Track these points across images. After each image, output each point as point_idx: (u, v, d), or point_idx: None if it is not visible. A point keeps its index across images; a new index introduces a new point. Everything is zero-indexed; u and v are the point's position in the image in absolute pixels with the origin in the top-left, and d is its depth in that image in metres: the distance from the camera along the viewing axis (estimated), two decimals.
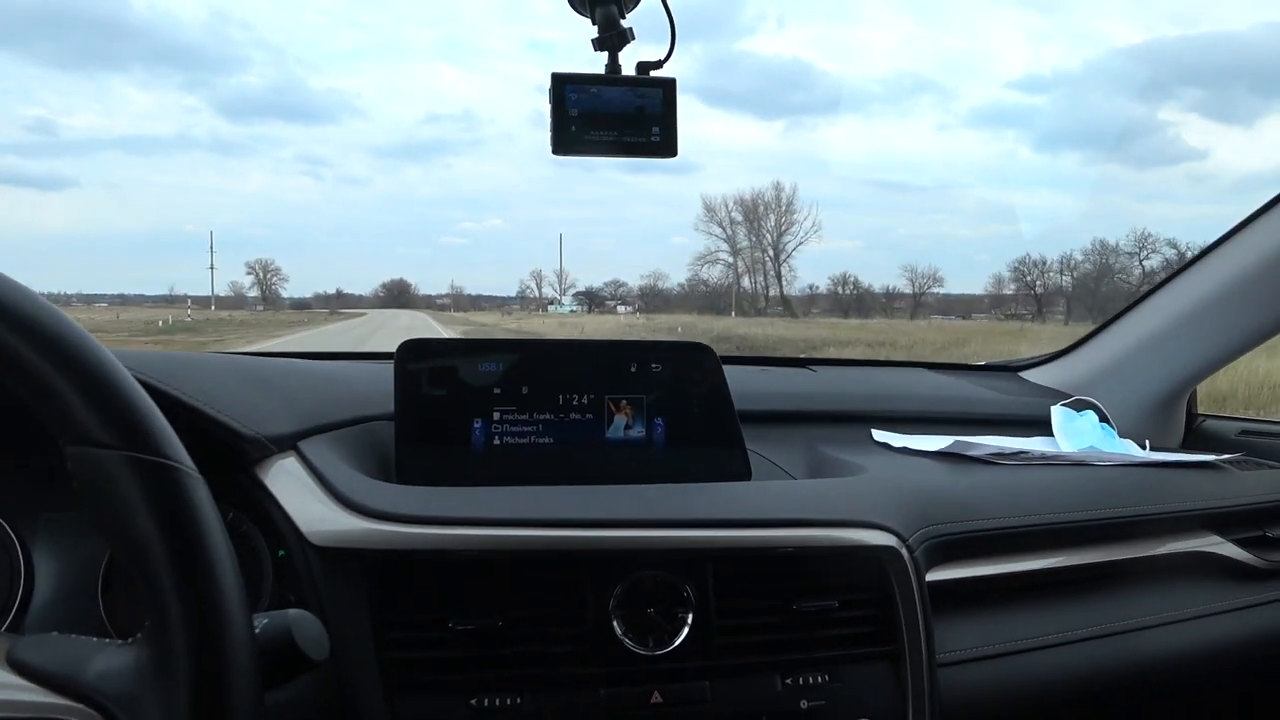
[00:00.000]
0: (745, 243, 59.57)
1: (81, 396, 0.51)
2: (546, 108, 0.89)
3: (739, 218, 59.93)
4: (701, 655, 0.86)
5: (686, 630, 0.85)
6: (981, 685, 0.98)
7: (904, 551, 0.91)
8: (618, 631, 0.84)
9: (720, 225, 59.70)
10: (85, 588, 0.90)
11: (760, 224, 59.57)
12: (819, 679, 0.88)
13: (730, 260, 60.21)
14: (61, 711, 0.51)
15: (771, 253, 59.77)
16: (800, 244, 59.60)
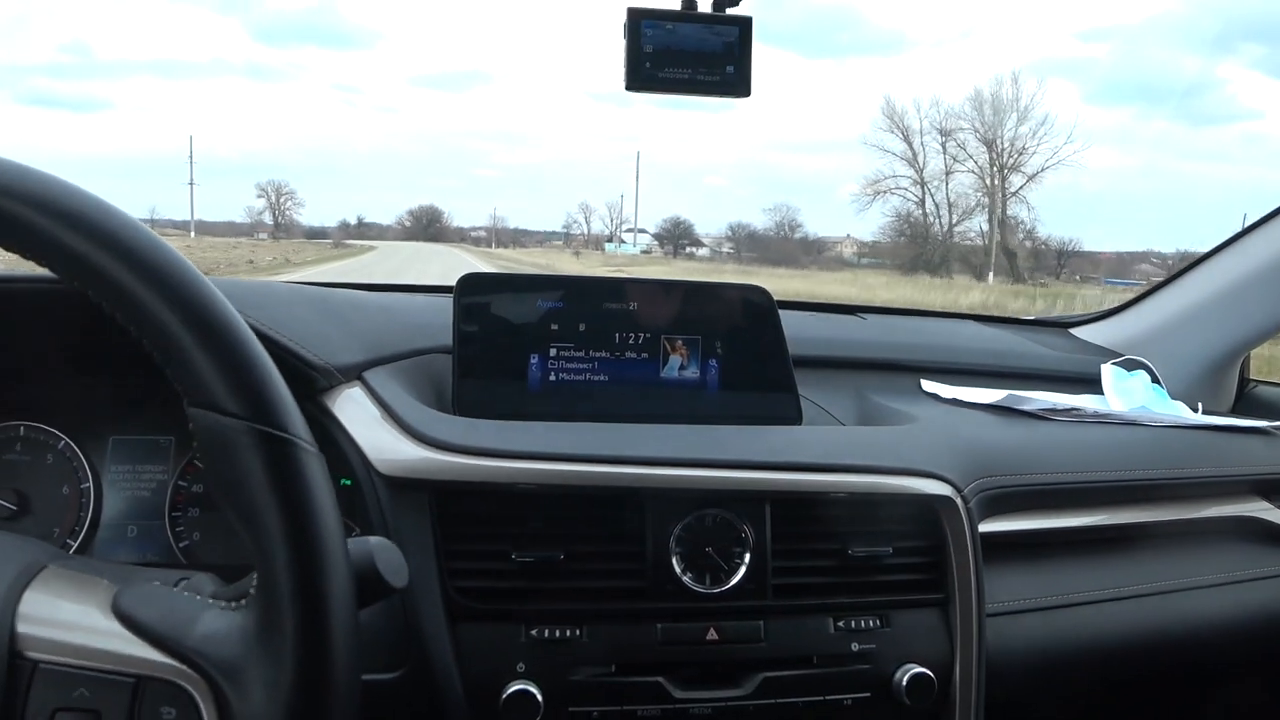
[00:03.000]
0: (937, 163, 39.43)
1: (211, 362, 0.52)
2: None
3: (938, 122, 39.67)
4: (757, 595, 0.87)
5: (743, 570, 0.86)
6: (1029, 636, 0.99)
7: (959, 502, 0.92)
8: (676, 569, 0.85)
9: (904, 136, 39.71)
10: (153, 511, 0.92)
11: (993, 132, 38.26)
12: (870, 623, 0.89)
13: (917, 193, 39.78)
14: (164, 671, 0.52)
15: (998, 178, 38.29)
16: (1047, 166, 37.53)
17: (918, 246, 40.01)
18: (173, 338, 0.51)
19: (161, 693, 0.52)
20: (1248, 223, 1.46)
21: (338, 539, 0.54)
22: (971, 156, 39.44)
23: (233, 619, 0.53)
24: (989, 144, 39.01)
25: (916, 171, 40.49)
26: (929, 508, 0.92)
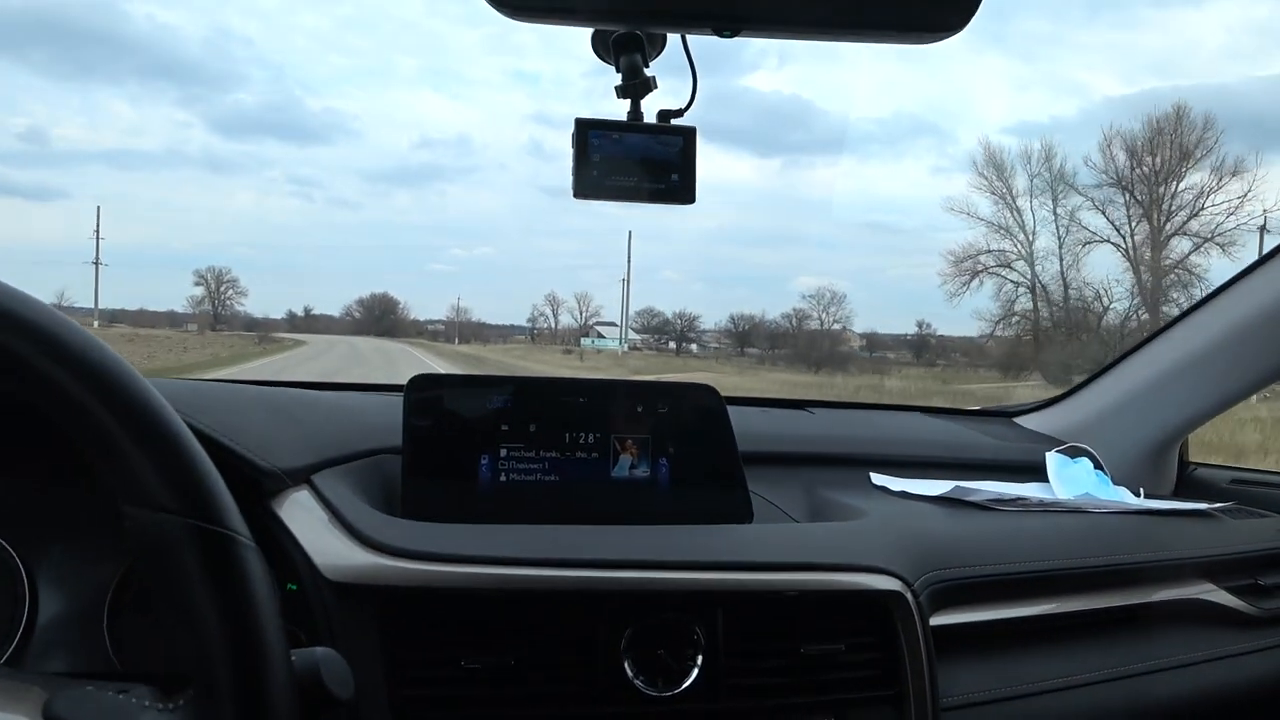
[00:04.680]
0: (1052, 231, 27.50)
1: (148, 458, 0.52)
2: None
3: (1053, 178, 27.35)
4: (710, 697, 0.86)
5: (696, 672, 0.86)
6: None
7: (909, 596, 0.92)
8: (628, 672, 0.84)
9: (1005, 197, 28.08)
10: (91, 616, 0.89)
11: (1143, 181, 26.24)
12: None
13: (1023, 273, 28.06)
14: None
15: (1138, 237, 26.54)
16: (1219, 229, 24.98)
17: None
18: (107, 434, 0.51)
19: None
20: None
21: (276, 635, 0.54)
22: (1115, 224, 26.72)
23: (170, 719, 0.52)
24: (1146, 204, 26.42)
25: (1020, 245, 28.13)
26: (879, 603, 0.92)
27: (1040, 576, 1.07)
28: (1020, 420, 1.64)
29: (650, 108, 0.94)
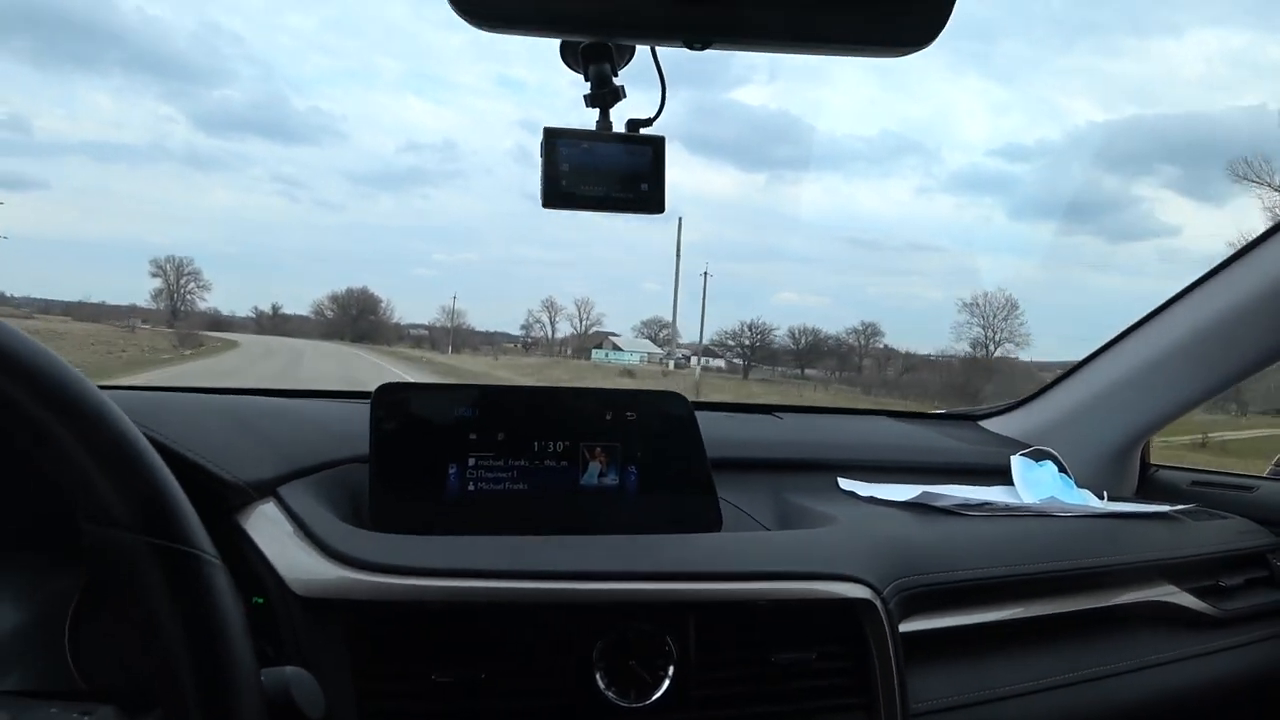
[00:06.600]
0: None
1: (106, 474, 0.50)
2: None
3: None
4: (681, 707, 0.86)
5: (668, 683, 0.85)
6: None
7: (878, 603, 0.93)
8: (600, 684, 0.84)
9: None
10: (51, 630, 0.87)
11: None
12: None
13: None
14: None
15: None
16: None
17: None
18: (64, 449, 0.50)
19: None
20: None
21: (246, 655, 0.52)
22: None
23: None
24: None
25: None
26: (849, 611, 0.92)
27: (1007, 581, 1.08)
28: (985, 424, 1.66)
29: (620, 116, 0.93)
